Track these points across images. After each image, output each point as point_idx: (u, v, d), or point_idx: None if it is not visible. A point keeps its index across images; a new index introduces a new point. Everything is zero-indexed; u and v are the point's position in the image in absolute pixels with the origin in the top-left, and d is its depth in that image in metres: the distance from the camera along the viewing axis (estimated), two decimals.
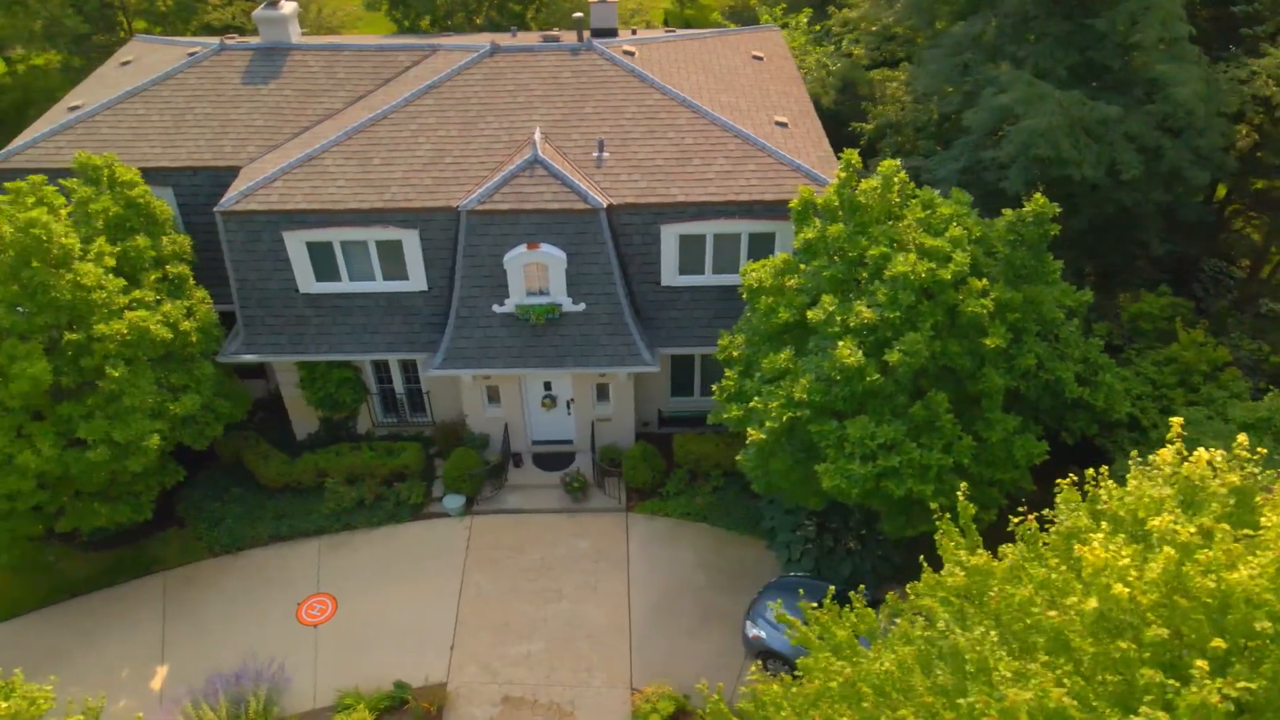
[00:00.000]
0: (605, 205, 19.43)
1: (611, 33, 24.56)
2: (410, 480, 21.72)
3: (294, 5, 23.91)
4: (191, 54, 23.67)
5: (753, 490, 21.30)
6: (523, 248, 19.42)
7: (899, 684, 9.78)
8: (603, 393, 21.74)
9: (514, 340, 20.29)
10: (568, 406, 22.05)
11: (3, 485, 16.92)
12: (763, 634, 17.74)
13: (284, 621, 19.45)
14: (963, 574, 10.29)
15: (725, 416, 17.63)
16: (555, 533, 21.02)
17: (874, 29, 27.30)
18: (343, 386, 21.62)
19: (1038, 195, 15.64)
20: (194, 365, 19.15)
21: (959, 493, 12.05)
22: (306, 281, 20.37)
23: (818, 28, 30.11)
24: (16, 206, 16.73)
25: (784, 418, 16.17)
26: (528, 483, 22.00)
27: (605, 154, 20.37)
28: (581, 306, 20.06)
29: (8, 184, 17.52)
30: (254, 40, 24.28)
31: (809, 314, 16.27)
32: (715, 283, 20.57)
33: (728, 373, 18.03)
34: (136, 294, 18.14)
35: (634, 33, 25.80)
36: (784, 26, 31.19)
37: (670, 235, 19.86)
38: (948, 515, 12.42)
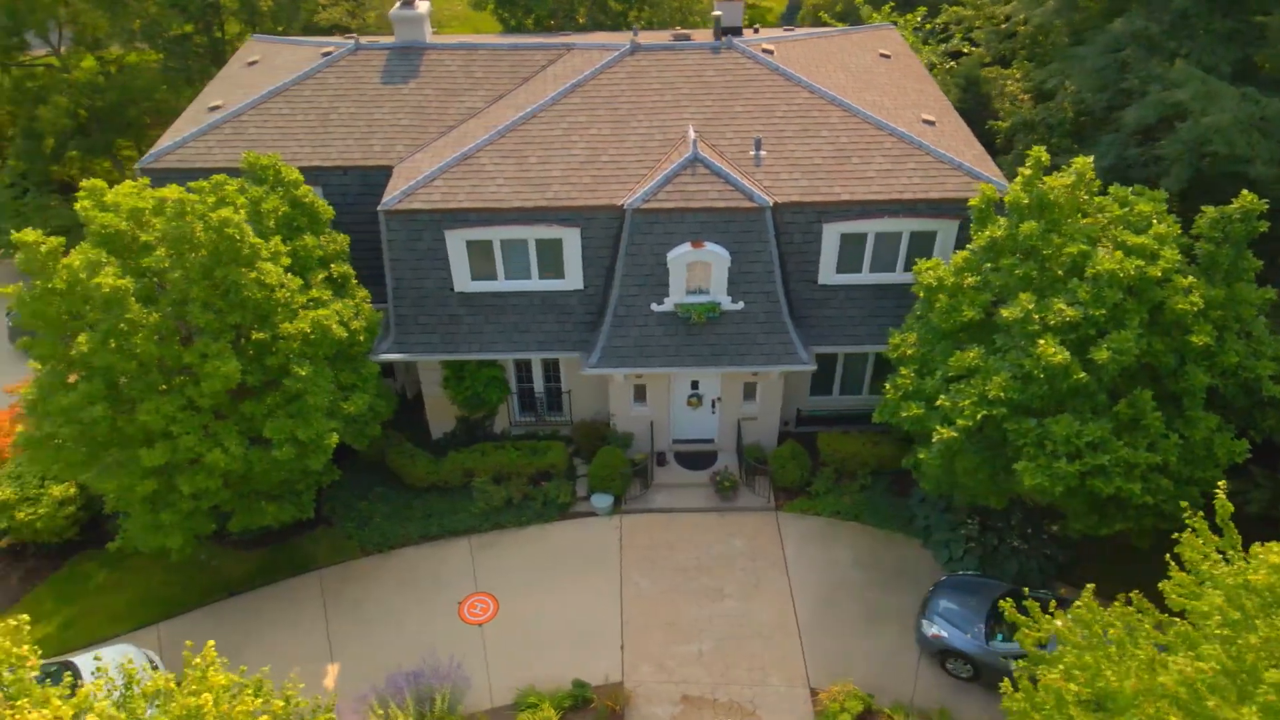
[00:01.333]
0: (772, 204, 19.41)
1: (736, 31, 24.54)
2: (556, 479, 21.72)
3: (428, 5, 23.93)
4: (326, 54, 23.69)
5: (901, 489, 21.43)
6: (687, 246, 19.39)
7: (1216, 685, 9.74)
8: (749, 391, 21.69)
9: (670, 339, 20.27)
10: (713, 405, 22.02)
11: (191, 484, 16.97)
12: (944, 633, 17.69)
13: (448, 620, 19.45)
14: (1266, 572, 10.24)
15: (903, 415, 17.57)
16: (707, 532, 20.99)
17: (1001, 26, 27.20)
18: (491, 385, 21.62)
19: (1245, 192, 15.58)
20: (360, 364, 19.17)
21: (1218, 489, 12.05)
22: (463, 280, 20.38)
23: (928, 25, 30.03)
24: (203, 206, 16.72)
25: (977, 415, 16.13)
26: (673, 482, 21.97)
27: (763, 152, 20.34)
28: (740, 305, 20.03)
29: (191, 184, 17.55)
30: (385, 40, 24.31)
31: (1003, 311, 16.22)
32: (871, 281, 20.53)
33: (903, 371, 17.97)
34: (313, 293, 18.18)
35: (755, 30, 25.74)
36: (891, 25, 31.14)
37: (832, 234, 19.82)
38: (1200, 513, 12.40)
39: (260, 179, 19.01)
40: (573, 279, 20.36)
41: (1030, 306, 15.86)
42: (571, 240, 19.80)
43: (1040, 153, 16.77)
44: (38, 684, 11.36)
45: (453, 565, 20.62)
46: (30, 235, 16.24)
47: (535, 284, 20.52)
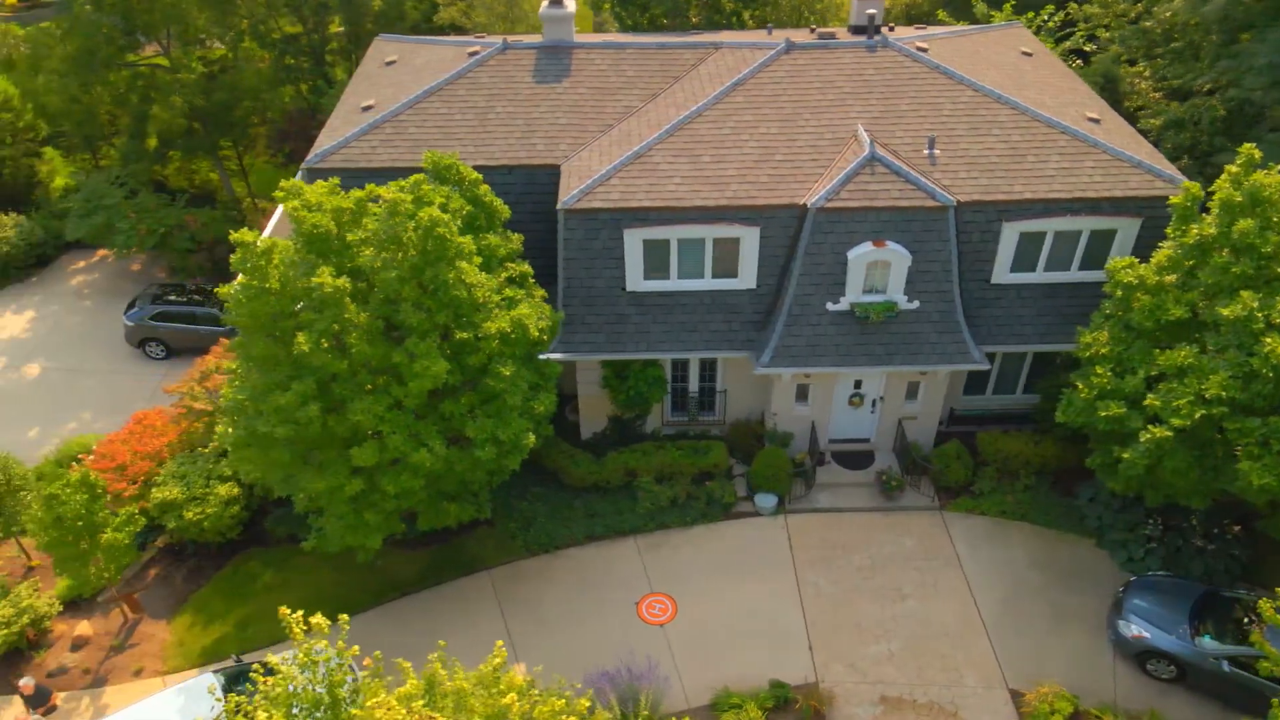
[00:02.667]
0: (955, 202, 19.33)
1: (875, 30, 24.45)
2: (718, 479, 21.66)
3: (574, 5, 23.87)
4: (473, 53, 23.64)
5: (1065, 488, 21.31)
6: (868, 245, 19.32)
7: None
8: (912, 391, 21.60)
9: (843, 338, 20.19)
10: (872, 405, 21.93)
11: (395, 484, 16.94)
12: (1145, 633, 17.58)
13: (627, 620, 19.41)
14: None
15: (1101, 414, 17.46)
16: (875, 531, 20.90)
17: (1145, 25, 27.08)
18: (654, 385, 21.56)
19: None
20: (542, 364, 19.13)
21: None
22: (635, 280, 20.34)
23: (1050, 24, 29.90)
24: (410, 206, 16.66)
25: (1195, 415, 16.04)
26: (835, 481, 21.89)
27: (936, 151, 20.25)
28: (915, 304, 19.94)
29: (392, 183, 17.52)
30: (530, 39, 24.25)
31: (1222, 310, 16.12)
32: (1044, 280, 20.43)
33: (1098, 370, 17.85)
34: (508, 292, 18.15)
35: (891, 28, 25.60)
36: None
37: (1011, 232, 19.73)
38: None
39: (443, 178, 18.98)
40: (746, 278, 20.29)
41: (1254, 305, 15.75)
42: (750, 239, 19.74)
43: (1251, 150, 16.67)
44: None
45: (623, 565, 20.57)
46: (247, 235, 16.24)
47: (707, 283, 20.46)
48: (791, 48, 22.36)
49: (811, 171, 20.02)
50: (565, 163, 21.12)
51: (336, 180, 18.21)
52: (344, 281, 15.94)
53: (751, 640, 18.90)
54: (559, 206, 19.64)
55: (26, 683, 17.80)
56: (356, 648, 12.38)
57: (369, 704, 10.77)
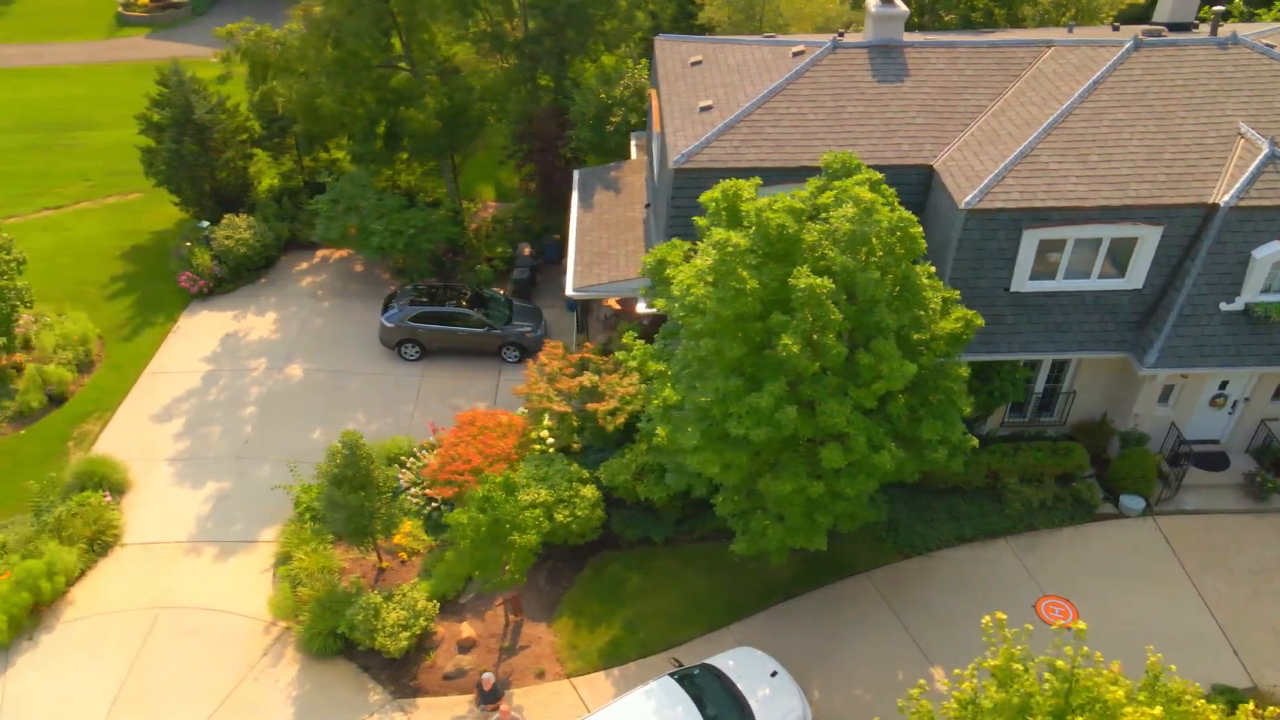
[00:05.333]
0: None
1: (1188, 26, 24.30)
2: (1080, 480, 21.49)
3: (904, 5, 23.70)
4: (797, 53, 23.51)
5: None
6: (1276, 243, 19.12)
7: None
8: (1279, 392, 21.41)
9: (1230, 338, 19.99)
10: (1233, 406, 21.73)
11: (853, 486, 16.83)
12: None
13: (1027, 622, 19.15)
14: None
15: None
16: (1252, 533, 20.73)
17: None
18: (1018, 386, 21.40)
19: None
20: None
21: None
22: (1020, 280, 20.19)
23: None
24: (883, 206, 16.53)
25: None
26: (1195, 483, 21.69)
27: None
28: None
29: (834, 183, 17.38)
30: (852, 38, 24.06)
31: None
32: None
33: None
34: (945, 293, 18.01)
35: (1196, 25, 25.36)
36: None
37: None
38: None
39: (836, 174, 18.82)
40: (1134, 278, 20.12)
41: None
42: (1150, 239, 19.57)
43: None
44: None
45: (1003, 567, 20.43)
46: (721, 234, 16.12)
47: (1091, 283, 20.30)
48: (1140, 45, 22.14)
49: (1207, 170, 19.84)
50: (936, 162, 20.97)
51: (758, 180, 18.13)
52: (825, 281, 15.78)
53: (1164, 643, 18.58)
54: (961, 206, 19.48)
55: (488, 677, 17.83)
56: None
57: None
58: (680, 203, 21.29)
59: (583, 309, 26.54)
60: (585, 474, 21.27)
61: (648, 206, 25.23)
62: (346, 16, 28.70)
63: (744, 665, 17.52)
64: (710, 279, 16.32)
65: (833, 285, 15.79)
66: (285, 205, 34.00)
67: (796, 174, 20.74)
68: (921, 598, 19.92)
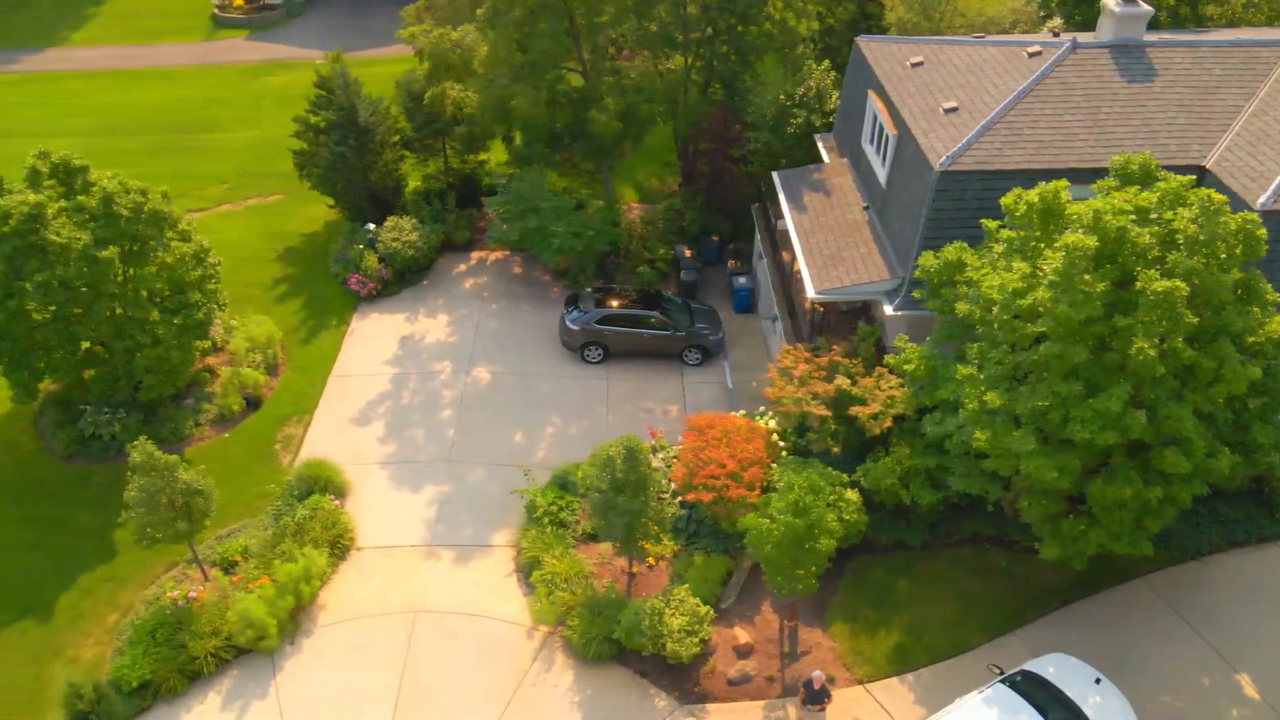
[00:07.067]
0: None
1: None
2: None
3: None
4: (1033, 54, 23.33)
5: None
6: None
7: None
8: None
9: None
10: None
11: (1187, 491, 16.64)
12: None
13: None
14: None
15: None
16: None
17: None
18: None
19: None
20: None
21: None
22: None
23: None
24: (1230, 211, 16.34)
25: None
26: None
27: None
28: None
29: (1158, 185, 17.19)
30: (1087, 37, 23.88)
31: None
32: None
33: None
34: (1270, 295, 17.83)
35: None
36: None
37: None
38: None
39: (1131, 178, 18.65)
40: None
41: None
42: None
43: None
44: None
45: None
46: (1072, 238, 15.92)
47: None
48: None
49: None
50: (1208, 162, 20.81)
51: (1064, 183, 17.94)
52: (1179, 284, 15.59)
53: None
54: (1257, 207, 19.31)
55: (819, 675, 17.66)
56: None
57: None
58: (941, 205, 21.12)
59: (787, 309, 26.36)
60: (845, 478, 21.08)
61: (867, 209, 25.05)
62: (533, 20, 28.57)
63: (1065, 672, 17.33)
64: (1051, 282, 16.14)
65: (1187, 289, 15.60)
66: (436, 207, 33.83)
67: (1059, 176, 20.50)
68: (1206, 603, 19.75)
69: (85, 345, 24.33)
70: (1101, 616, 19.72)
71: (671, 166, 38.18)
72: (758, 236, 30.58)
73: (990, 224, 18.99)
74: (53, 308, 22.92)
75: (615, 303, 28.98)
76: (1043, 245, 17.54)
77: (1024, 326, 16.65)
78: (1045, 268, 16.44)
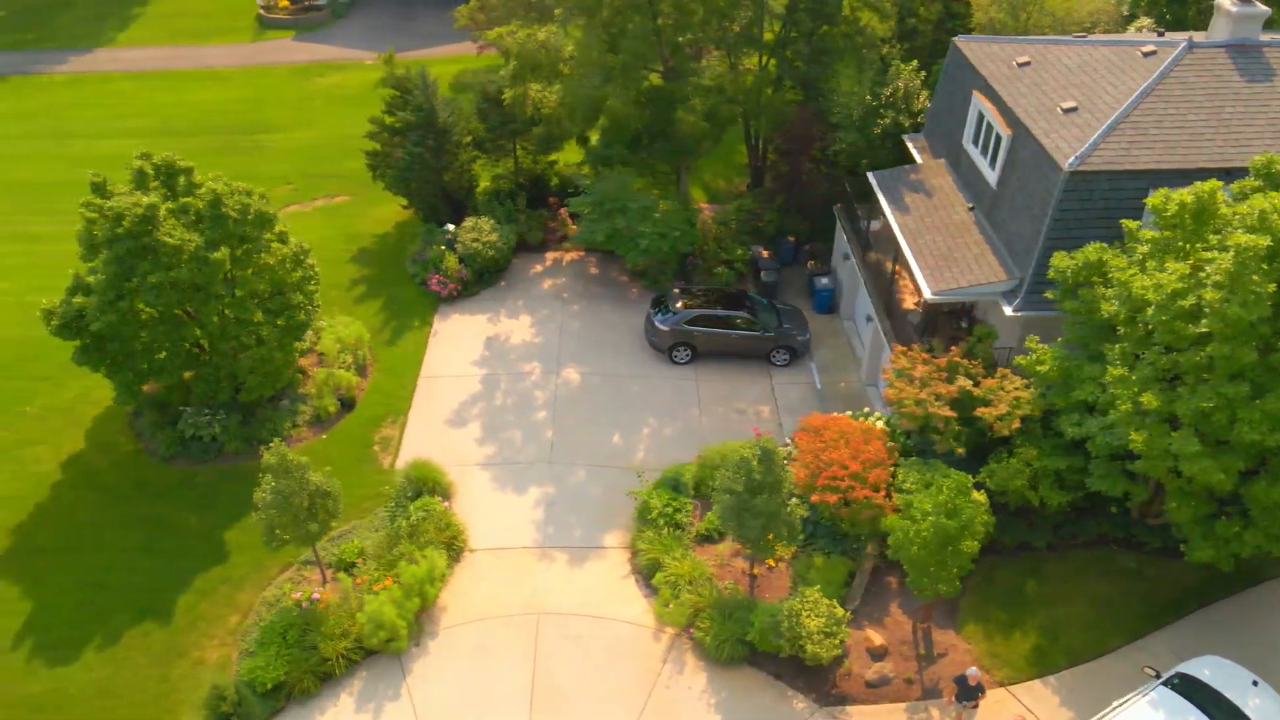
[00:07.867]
0: None
1: None
2: None
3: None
4: (1147, 53, 23.23)
5: None
6: None
7: None
8: None
9: None
10: None
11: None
12: None
13: None
14: None
15: None
16: None
17: None
18: None
19: None
20: None
21: None
22: None
23: None
24: None
25: None
26: None
27: None
28: None
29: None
30: (1200, 37, 23.77)
31: None
32: None
33: None
34: None
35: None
36: None
37: None
38: None
39: (1275, 180, 18.57)
40: None
41: None
42: None
43: None
44: None
45: None
46: (1243, 238, 15.82)
47: None
48: None
49: None
50: None
51: (1218, 183, 17.82)
52: None
53: None
54: None
55: (973, 673, 17.47)
56: None
57: None
58: (1067, 206, 21.02)
59: (885, 311, 26.26)
60: (969, 479, 20.96)
61: (972, 209, 24.94)
62: (620, 20, 28.48)
63: (1220, 674, 17.19)
64: (1218, 283, 16.03)
65: None
66: (508, 207, 33.71)
67: (1187, 176, 20.48)
68: None
69: (187, 346, 24.20)
70: (1244, 618, 19.63)
71: (735, 166, 38.12)
72: (840, 237, 30.46)
73: (1131, 224, 18.87)
74: (161, 309, 22.80)
75: (702, 303, 28.86)
76: (1196, 245, 17.43)
77: (1185, 328, 16.54)
78: (1208, 268, 16.33)
